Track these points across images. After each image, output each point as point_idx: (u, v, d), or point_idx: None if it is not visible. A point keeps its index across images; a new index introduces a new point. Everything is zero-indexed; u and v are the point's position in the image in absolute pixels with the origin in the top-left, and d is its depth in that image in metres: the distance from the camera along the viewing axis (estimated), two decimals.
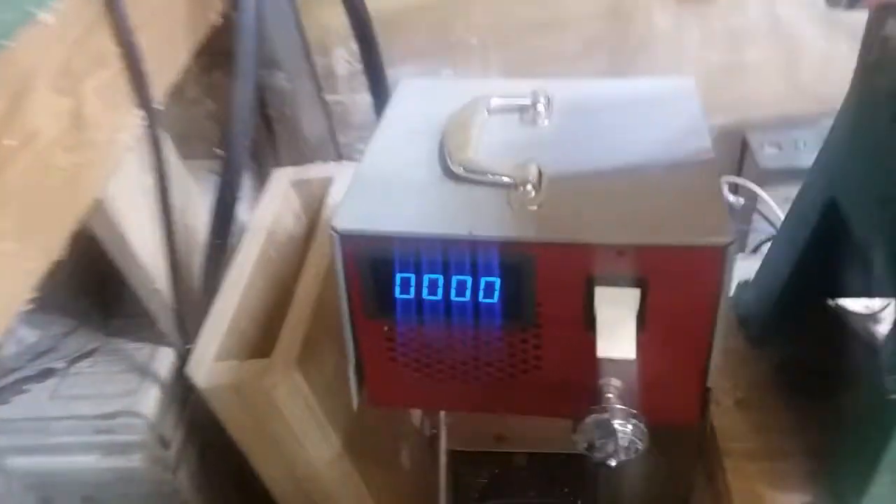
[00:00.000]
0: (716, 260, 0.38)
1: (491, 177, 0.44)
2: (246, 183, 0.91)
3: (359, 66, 0.86)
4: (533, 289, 0.42)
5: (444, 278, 0.42)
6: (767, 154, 0.72)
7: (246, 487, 0.81)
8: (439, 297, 0.43)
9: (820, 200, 0.43)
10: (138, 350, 0.71)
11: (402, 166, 0.46)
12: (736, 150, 0.81)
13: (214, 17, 0.67)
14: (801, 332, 0.53)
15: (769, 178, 0.68)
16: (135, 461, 0.67)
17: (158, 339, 0.71)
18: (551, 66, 0.85)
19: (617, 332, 0.40)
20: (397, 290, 0.43)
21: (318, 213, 0.78)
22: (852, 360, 0.50)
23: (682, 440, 0.54)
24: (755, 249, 0.66)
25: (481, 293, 0.42)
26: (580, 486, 0.61)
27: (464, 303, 0.43)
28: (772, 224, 0.64)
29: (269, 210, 0.74)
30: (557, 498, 0.60)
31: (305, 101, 0.83)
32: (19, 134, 0.38)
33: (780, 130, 0.76)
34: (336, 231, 0.41)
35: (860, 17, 0.81)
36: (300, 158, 0.89)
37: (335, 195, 0.76)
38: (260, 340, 0.66)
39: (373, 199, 0.44)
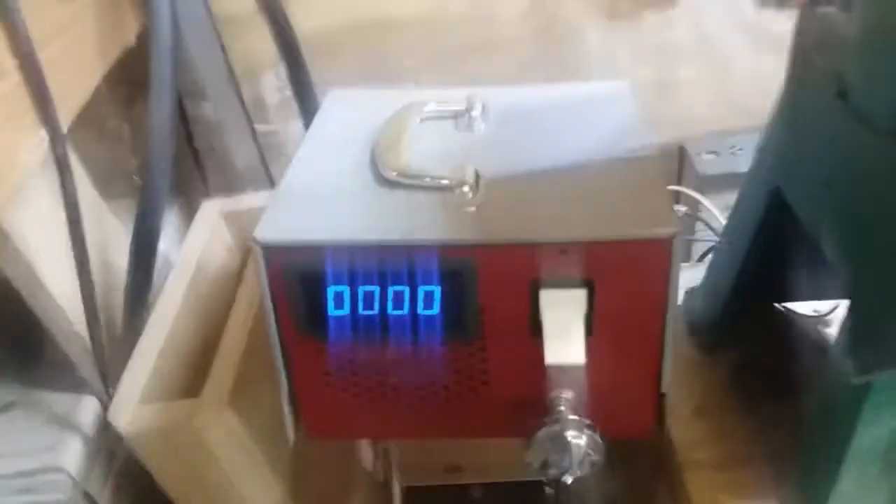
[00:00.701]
0: (662, 253, 0.36)
1: (426, 180, 0.41)
2: (174, 220, 0.87)
3: (289, 94, 0.83)
4: (475, 297, 0.39)
5: (381, 290, 0.39)
6: (705, 161, 0.72)
7: None
8: (376, 310, 0.40)
9: (763, 192, 0.42)
10: (60, 400, 0.65)
11: (331, 175, 0.43)
12: (674, 160, 0.81)
13: (128, 39, 0.64)
14: (751, 337, 0.51)
15: (709, 184, 0.68)
16: None
17: (81, 387, 0.65)
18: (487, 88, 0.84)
19: (565, 337, 0.38)
20: (330, 305, 0.40)
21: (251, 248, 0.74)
22: (806, 361, 0.49)
23: (639, 456, 0.52)
24: (701, 258, 0.65)
25: (421, 304, 0.39)
26: None
27: (402, 316, 0.40)
28: (715, 232, 0.63)
29: (198, 243, 0.70)
30: None
31: (234, 130, 0.80)
32: None
33: (716, 138, 0.76)
34: (258, 243, 0.38)
35: (785, 31, 0.83)
36: (232, 191, 0.85)
37: None
38: (189, 382, 0.61)
39: (299, 208, 0.41)
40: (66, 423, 0.63)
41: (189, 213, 0.91)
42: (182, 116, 0.84)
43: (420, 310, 0.40)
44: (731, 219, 0.49)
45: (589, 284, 0.38)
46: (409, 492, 0.59)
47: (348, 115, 0.50)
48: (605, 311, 0.38)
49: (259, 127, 0.87)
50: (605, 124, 0.47)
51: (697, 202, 0.65)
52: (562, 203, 0.39)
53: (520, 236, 0.37)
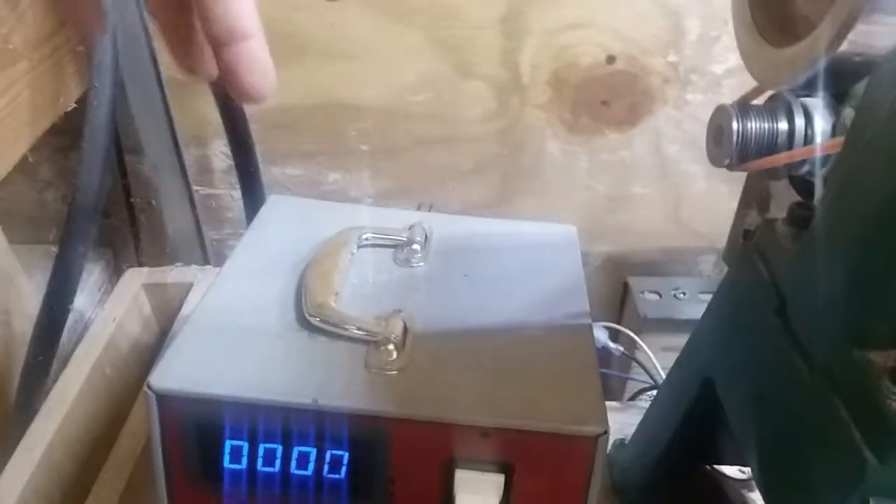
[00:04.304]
0: (586, 450, 0.34)
1: (349, 330, 0.38)
2: (98, 275, 0.83)
3: None
4: (386, 466, 0.36)
5: (284, 448, 0.36)
6: (647, 301, 0.71)
7: None
8: (277, 468, 0.37)
9: (697, 378, 0.40)
10: None
11: (250, 309, 0.40)
12: (617, 293, 0.80)
13: (66, 104, 0.60)
14: (680, 499, 0.49)
15: (648, 326, 0.67)
16: None
17: None
18: (443, 180, 0.83)
19: None
20: (227, 458, 0.36)
21: (171, 321, 0.70)
22: None
23: None
24: (632, 398, 0.64)
25: (326, 467, 0.36)
26: None
27: (306, 477, 0.37)
28: (648, 373, 0.62)
29: (112, 317, 0.65)
30: None
31: (171, 194, 0.76)
32: None
33: (660, 278, 0.76)
34: (153, 390, 0.35)
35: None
36: (163, 256, 0.81)
37: (193, 303, 0.69)
38: (80, 474, 0.57)
39: (206, 350, 0.37)
40: None
41: (115, 269, 0.87)
42: (122, 171, 0.80)
43: (325, 472, 0.37)
44: (665, 386, 0.47)
45: (507, 469, 0.35)
46: None
47: (285, 230, 0.47)
48: (522, 499, 0.36)
49: (202, 189, 0.83)
50: (547, 278, 0.45)
51: (634, 342, 0.64)
52: (488, 377, 0.37)
53: (438, 414, 0.35)
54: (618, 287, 0.80)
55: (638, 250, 0.86)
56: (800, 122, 0.42)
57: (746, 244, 0.38)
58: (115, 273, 0.85)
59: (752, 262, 0.36)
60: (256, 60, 0.27)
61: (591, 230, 0.83)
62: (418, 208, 0.85)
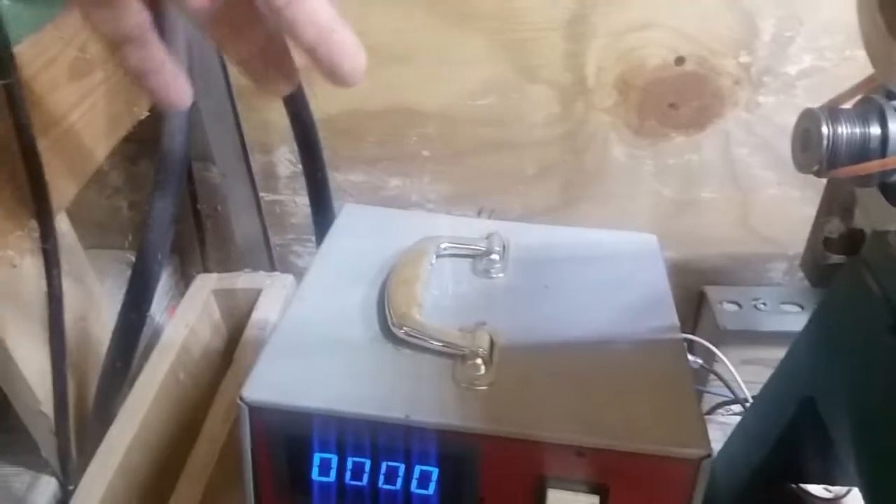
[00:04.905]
0: (688, 474, 0.33)
1: (436, 343, 0.38)
2: (165, 280, 0.84)
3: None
4: (476, 483, 0.36)
5: (373, 463, 0.36)
6: (727, 312, 0.69)
7: None
8: (365, 483, 0.36)
9: (796, 397, 0.39)
10: (16, 476, 0.62)
11: (335, 320, 0.40)
12: (685, 300, 0.78)
13: (140, 112, 0.61)
14: None
15: (728, 338, 0.65)
16: None
17: (42, 466, 0.62)
18: (504, 185, 0.82)
19: None
20: (315, 471, 0.36)
21: (240, 327, 0.70)
22: None
23: None
24: (710, 411, 0.62)
25: (415, 483, 0.36)
26: None
27: (394, 492, 0.36)
28: (729, 387, 0.60)
29: (184, 323, 0.66)
30: None
31: (239, 201, 0.77)
32: None
33: (739, 287, 0.73)
34: (245, 402, 0.35)
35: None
36: (229, 262, 0.83)
37: (262, 309, 0.69)
38: (158, 479, 0.58)
39: (295, 362, 0.37)
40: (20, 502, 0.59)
41: (182, 275, 0.88)
42: (189, 178, 0.81)
43: (414, 488, 0.36)
44: (758, 406, 0.45)
45: (603, 491, 0.34)
46: None
47: (361, 239, 0.47)
48: None
49: (266, 196, 0.84)
50: (632, 289, 0.44)
51: (713, 354, 0.62)
52: (580, 392, 0.36)
53: (531, 432, 0.34)
54: (685, 294, 0.78)
55: (706, 257, 0.83)
56: (894, 126, 0.40)
57: (853, 259, 0.37)
58: (182, 279, 0.86)
59: (861, 276, 0.34)
60: (348, 45, 0.28)
61: (658, 236, 0.81)
62: (479, 214, 0.85)
